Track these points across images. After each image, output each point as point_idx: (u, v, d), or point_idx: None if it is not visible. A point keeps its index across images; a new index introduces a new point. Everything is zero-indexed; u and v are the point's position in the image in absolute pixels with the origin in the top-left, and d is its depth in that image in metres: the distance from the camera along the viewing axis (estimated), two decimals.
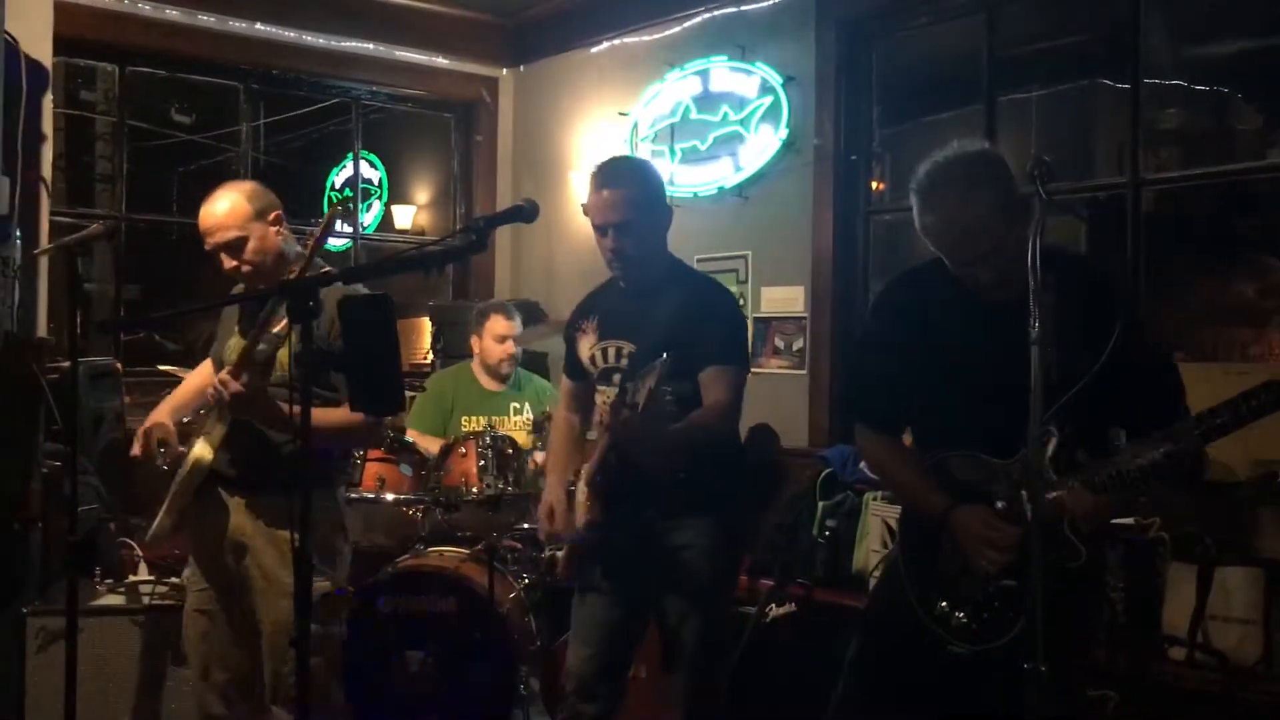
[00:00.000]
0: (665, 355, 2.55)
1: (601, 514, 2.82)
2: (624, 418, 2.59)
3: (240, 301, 2.90)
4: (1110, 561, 3.24)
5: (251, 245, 2.98)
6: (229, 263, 2.99)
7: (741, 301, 5.09)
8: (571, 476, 3.02)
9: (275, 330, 2.82)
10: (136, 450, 3.05)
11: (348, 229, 6.73)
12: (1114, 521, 3.13)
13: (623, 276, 2.98)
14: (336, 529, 3.09)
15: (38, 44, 3.88)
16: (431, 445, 4.20)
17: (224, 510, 3.06)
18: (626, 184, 2.91)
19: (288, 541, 3.00)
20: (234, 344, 3.06)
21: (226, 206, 2.98)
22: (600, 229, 2.91)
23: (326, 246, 7.99)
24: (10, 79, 3.10)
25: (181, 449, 3.03)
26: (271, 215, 3.03)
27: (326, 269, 2.94)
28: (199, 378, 3.31)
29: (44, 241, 3.93)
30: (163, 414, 3.14)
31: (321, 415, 2.82)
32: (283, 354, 2.92)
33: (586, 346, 3.06)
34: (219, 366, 3.18)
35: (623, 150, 5.59)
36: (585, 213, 2.98)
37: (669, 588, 2.89)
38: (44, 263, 4.02)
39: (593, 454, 2.88)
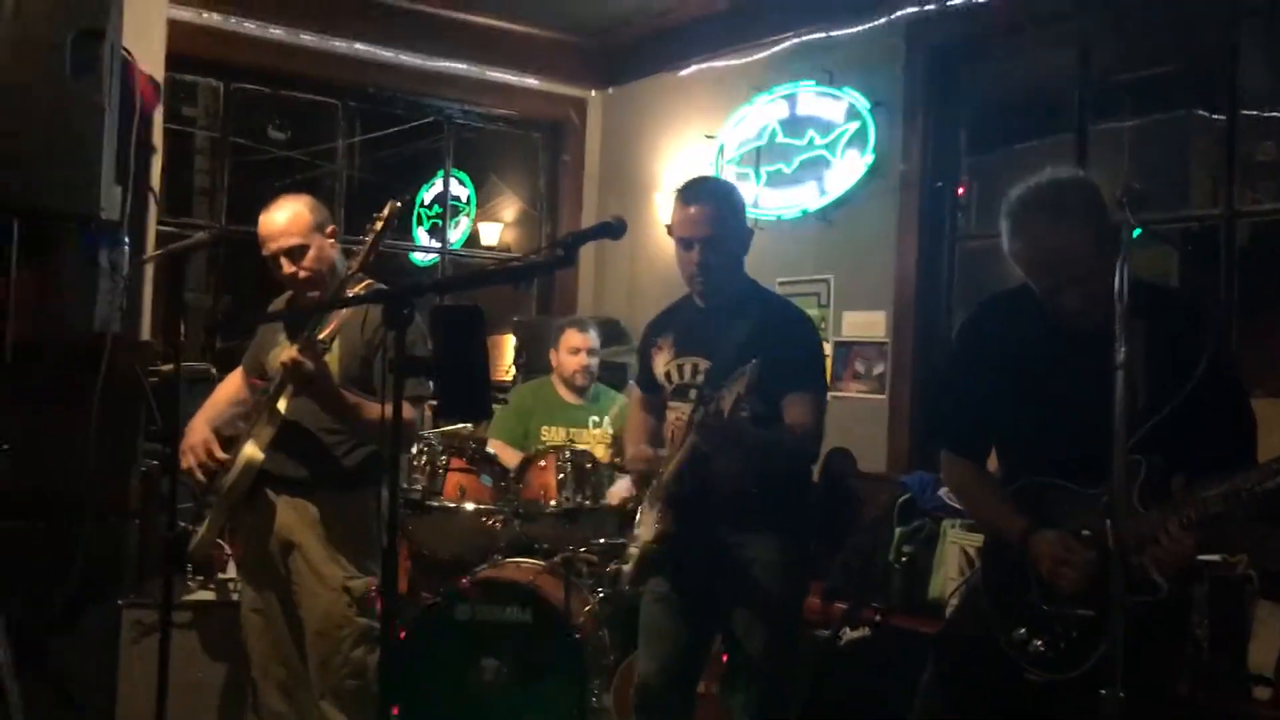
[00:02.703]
0: (754, 362, 2.56)
1: (673, 525, 2.85)
2: (709, 423, 2.61)
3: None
4: (1196, 597, 3.19)
5: (311, 254, 3.13)
6: (288, 268, 3.13)
7: (823, 325, 5.11)
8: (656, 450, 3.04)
9: (322, 337, 2.94)
10: (185, 464, 3.16)
11: (435, 244, 6.87)
12: (1201, 557, 3.08)
13: (703, 292, 3.01)
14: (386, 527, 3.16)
15: (151, 60, 4.04)
16: (510, 458, 4.27)
17: (271, 509, 3.17)
18: (714, 201, 2.97)
19: (333, 538, 3.11)
20: (278, 352, 3.16)
21: (289, 215, 3.14)
22: (685, 243, 2.95)
23: (414, 260, 8.24)
24: (126, 94, 3.24)
25: (223, 456, 3.14)
26: (328, 229, 3.20)
27: (369, 282, 3.04)
28: (229, 388, 3.43)
29: (150, 249, 4.08)
30: (200, 425, 3.25)
31: (377, 411, 2.92)
32: (329, 359, 3.03)
33: (662, 363, 3.09)
34: (255, 375, 3.30)
35: (709, 171, 5.64)
36: (669, 231, 3.03)
37: (736, 601, 2.90)
38: (149, 270, 4.18)
39: (667, 466, 2.90)
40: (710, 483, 2.81)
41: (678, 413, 2.99)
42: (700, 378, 2.95)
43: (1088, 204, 2.22)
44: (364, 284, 3.05)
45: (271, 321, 3.37)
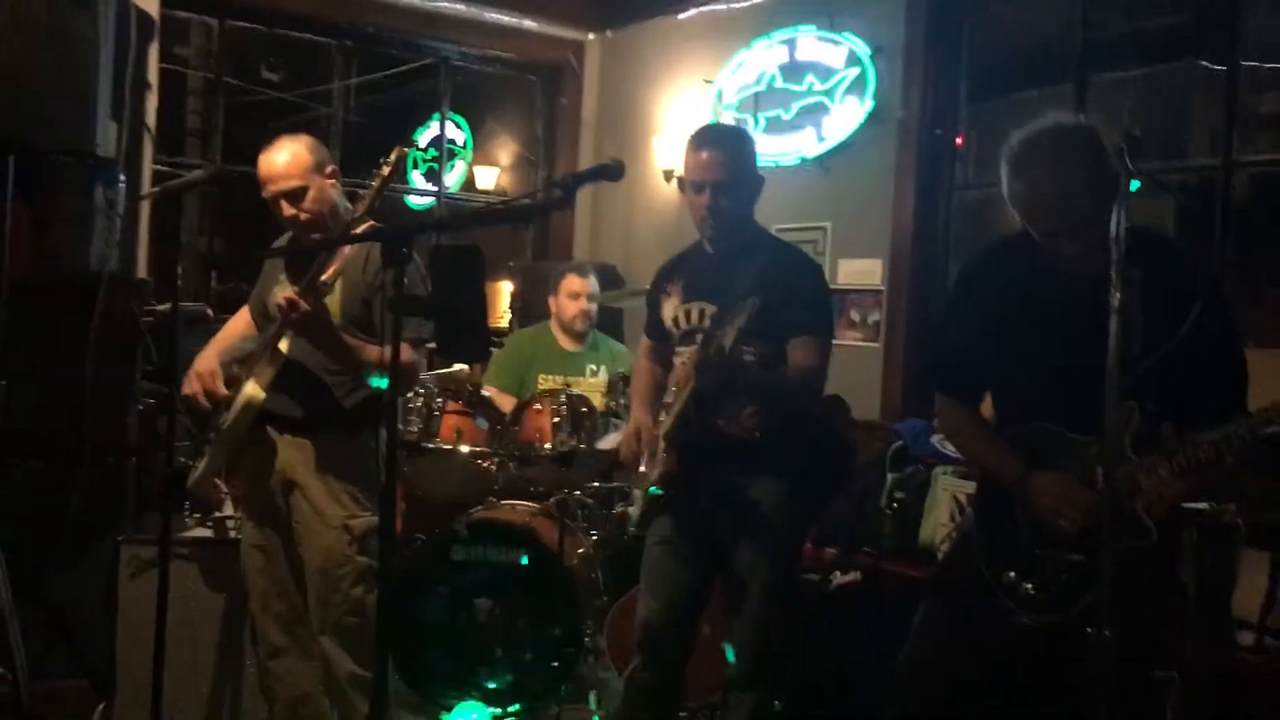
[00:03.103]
0: (754, 298, 2.57)
1: (677, 466, 2.88)
2: (713, 358, 2.62)
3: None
4: (1184, 545, 3.23)
5: (311, 195, 3.10)
6: (288, 210, 3.10)
7: None
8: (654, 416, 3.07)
9: (325, 278, 2.93)
10: (188, 391, 3.17)
11: (432, 188, 6.84)
12: (1188, 505, 3.12)
13: (713, 237, 3.02)
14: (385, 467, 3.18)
15: None
16: (506, 403, 4.29)
17: (272, 448, 3.18)
18: (727, 146, 2.98)
19: (333, 477, 3.14)
20: (279, 291, 3.16)
21: (288, 156, 3.09)
22: (696, 186, 2.95)
23: (409, 204, 8.20)
24: (121, 29, 3.21)
25: (225, 391, 3.15)
26: (328, 169, 3.15)
27: (371, 223, 3.03)
28: (241, 323, 3.43)
29: (146, 187, 4.07)
30: (210, 356, 3.26)
31: (376, 353, 2.92)
32: (330, 300, 3.03)
33: (670, 308, 3.10)
34: (259, 315, 3.29)
35: (706, 117, 5.61)
36: (680, 185, 3.02)
37: (739, 538, 2.93)
38: (145, 208, 4.17)
39: (671, 407, 2.93)
40: (713, 425, 2.83)
41: (683, 358, 3.00)
42: (707, 323, 2.96)
43: (1088, 150, 2.22)
44: (367, 225, 3.04)
45: (273, 258, 3.35)
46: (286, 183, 3.08)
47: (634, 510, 3.06)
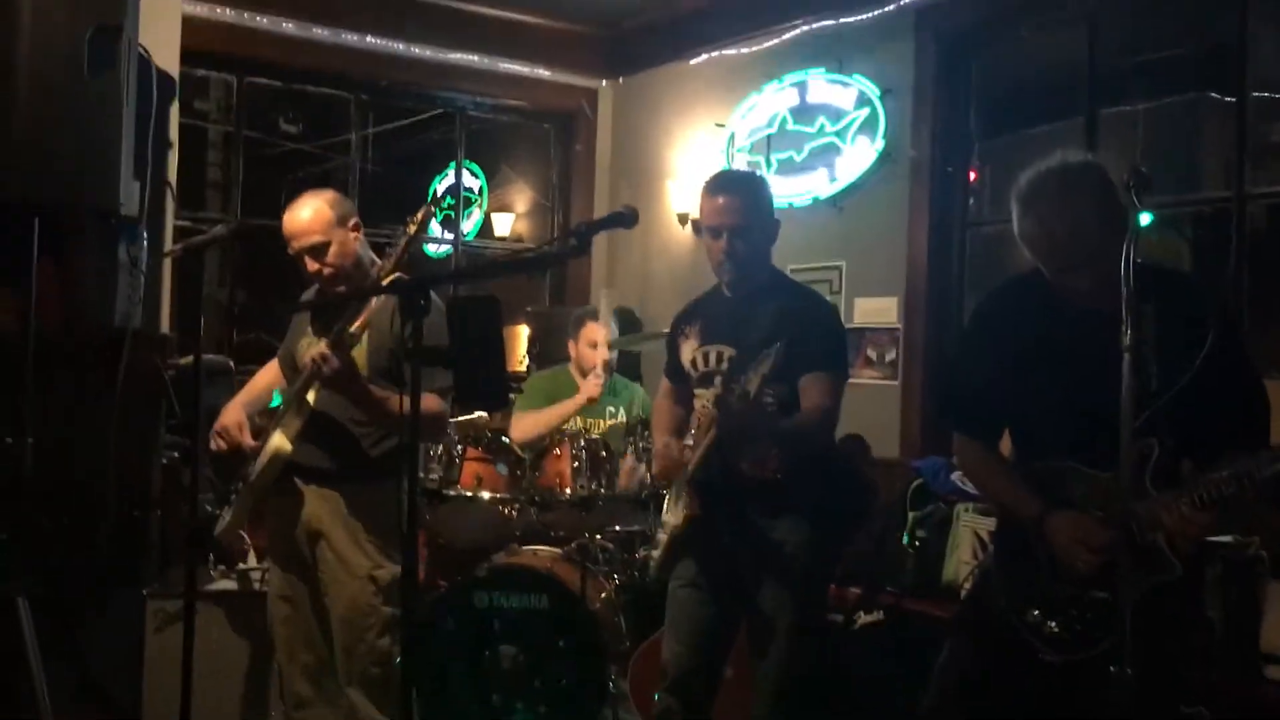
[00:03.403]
0: (779, 344, 2.60)
1: (700, 509, 2.89)
2: (736, 404, 2.64)
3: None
4: (1208, 579, 3.21)
5: (334, 250, 3.15)
6: (312, 265, 3.16)
7: None
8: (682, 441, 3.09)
9: (352, 330, 2.97)
10: (215, 446, 3.21)
11: (449, 235, 6.91)
12: (1213, 539, 3.10)
13: (730, 281, 3.05)
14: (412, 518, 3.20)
15: (167, 56, 4.08)
16: (535, 422, 4.30)
17: (299, 499, 3.21)
18: (743, 191, 3.03)
19: (359, 527, 3.16)
20: (308, 343, 3.20)
21: (311, 213, 3.15)
22: (714, 231, 2.99)
23: (427, 252, 8.27)
24: (143, 90, 3.27)
25: (253, 443, 3.18)
26: (351, 222, 3.20)
27: (399, 274, 3.06)
28: (269, 374, 3.47)
29: (168, 244, 4.13)
30: (236, 408, 3.30)
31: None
32: (357, 352, 3.06)
33: (689, 351, 3.13)
34: (287, 366, 3.33)
35: (719, 160, 5.66)
36: (695, 228, 3.06)
37: (763, 580, 2.93)
38: (167, 263, 4.23)
39: (694, 452, 2.94)
40: (737, 469, 2.85)
41: (704, 399, 3.03)
42: (725, 365, 2.99)
43: (1096, 186, 2.24)
44: (393, 278, 3.07)
45: (301, 311, 3.40)
46: (309, 239, 3.13)
47: (656, 554, 3.07)
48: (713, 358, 3.05)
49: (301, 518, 3.21)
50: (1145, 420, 2.03)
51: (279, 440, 3.08)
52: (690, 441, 3.05)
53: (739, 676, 3.19)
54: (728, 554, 2.97)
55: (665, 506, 3.09)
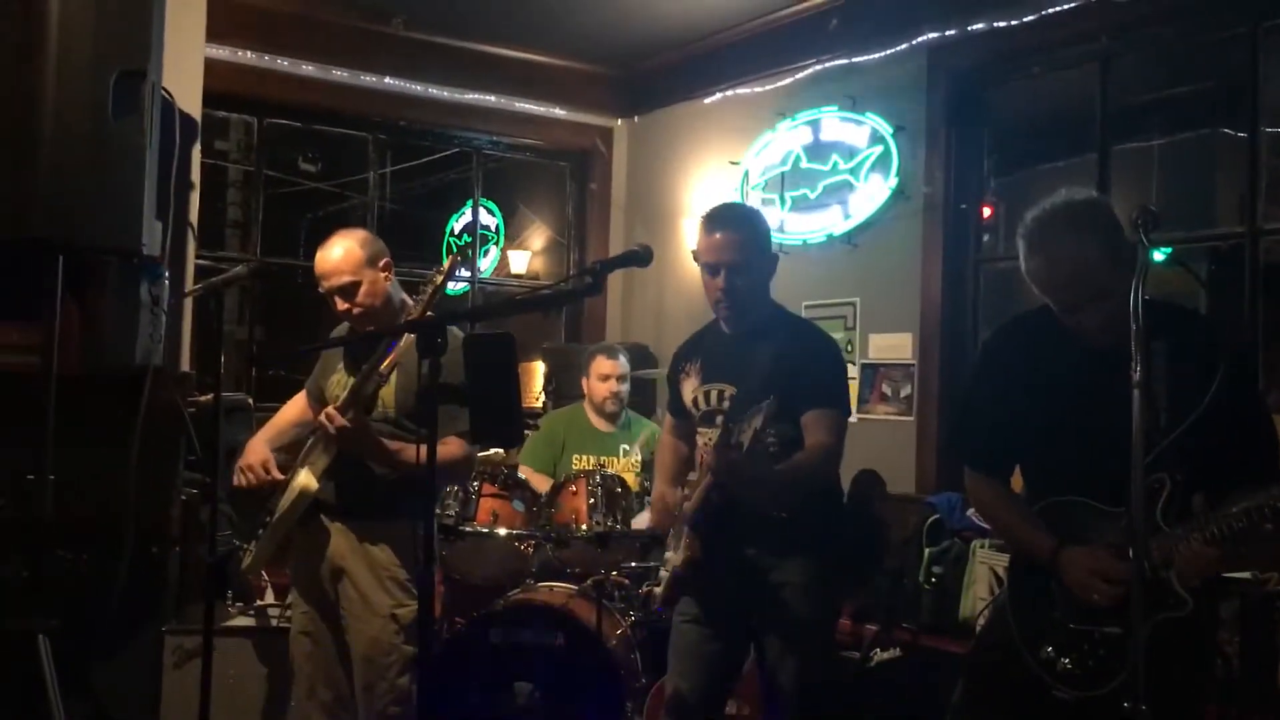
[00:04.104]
0: (772, 397, 2.61)
1: (701, 552, 2.87)
2: (729, 457, 2.64)
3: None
4: (1226, 615, 3.19)
5: (364, 289, 3.18)
6: (342, 305, 3.20)
7: (849, 348, 5.14)
8: (680, 490, 3.09)
9: (381, 370, 3.00)
10: (239, 482, 3.24)
11: (466, 273, 6.97)
12: (1231, 575, 3.09)
13: (729, 318, 3.05)
14: (430, 557, 3.21)
15: (189, 98, 4.14)
16: (541, 484, 4.32)
17: (324, 535, 3.23)
18: (739, 227, 3.01)
19: (383, 566, 3.17)
20: (338, 379, 3.23)
21: (341, 253, 3.19)
22: (712, 268, 2.99)
23: (445, 290, 8.32)
24: (165, 132, 3.33)
25: (280, 477, 3.20)
26: (382, 262, 3.24)
27: (430, 314, 3.09)
28: (293, 410, 3.50)
29: (189, 283, 4.18)
30: (260, 444, 3.32)
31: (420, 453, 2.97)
32: (385, 392, 3.09)
33: (690, 389, 3.13)
34: (315, 400, 3.36)
35: (734, 198, 5.70)
36: (695, 257, 3.08)
37: (767, 626, 2.93)
38: (188, 301, 4.27)
39: (694, 492, 2.94)
40: (738, 507, 2.84)
41: (706, 438, 3.02)
42: (727, 404, 2.99)
43: (1101, 222, 2.27)
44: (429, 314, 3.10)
45: (327, 349, 3.44)
46: (339, 278, 3.17)
47: (658, 590, 3.07)
48: (714, 396, 3.05)
49: (326, 554, 3.22)
50: (1155, 456, 2.03)
51: (305, 478, 3.11)
52: (693, 477, 3.05)
53: (749, 714, 3.18)
54: (730, 593, 2.96)
55: (668, 543, 3.09)
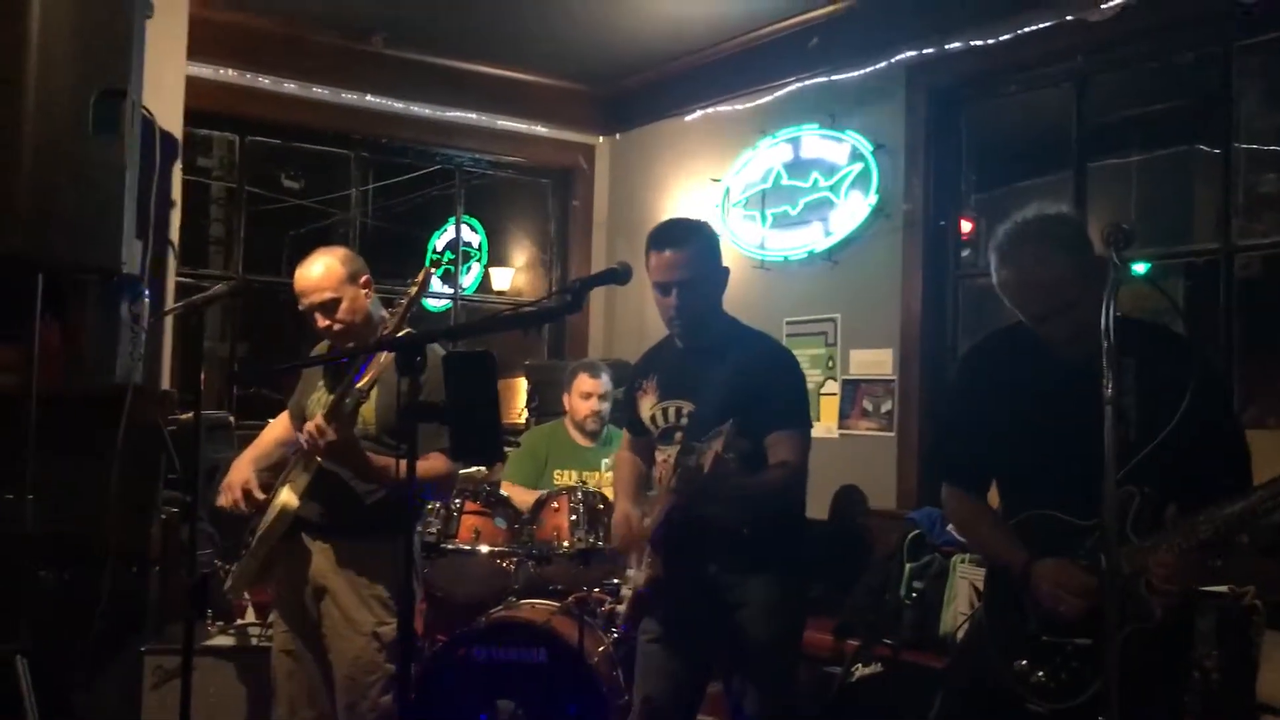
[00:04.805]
0: (731, 421, 2.59)
1: (663, 570, 2.85)
2: (689, 480, 2.63)
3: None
4: (1204, 629, 3.21)
5: (344, 306, 3.19)
6: (323, 321, 3.20)
7: (830, 364, 5.17)
8: (641, 507, 3.06)
9: (360, 386, 3.00)
10: (223, 502, 3.23)
11: (448, 290, 6.97)
12: (1208, 589, 3.11)
13: (682, 335, 3.02)
14: (411, 575, 3.22)
15: (170, 117, 4.15)
16: (526, 498, 4.32)
17: (306, 554, 3.22)
18: (687, 244, 2.96)
19: (365, 584, 3.17)
20: (318, 398, 3.23)
21: (322, 270, 3.20)
22: (663, 288, 2.95)
23: (427, 306, 8.31)
24: (146, 151, 3.33)
25: (263, 497, 3.20)
26: (362, 279, 3.25)
27: (409, 330, 3.10)
28: (278, 429, 3.50)
29: (170, 301, 4.18)
30: (244, 464, 3.32)
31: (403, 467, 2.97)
32: (365, 409, 3.10)
33: (647, 406, 3.10)
34: (297, 419, 3.36)
35: (715, 215, 5.73)
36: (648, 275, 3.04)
37: (732, 647, 2.92)
38: (169, 319, 4.27)
39: (654, 511, 2.91)
40: (699, 526, 2.83)
41: (665, 455, 3.00)
42: (685, 421, 2.96)
43: (1069, 236, 2.31)
44: (407, 331, 3.10)
45: (306, 367, 3.43)
46: (320, 295, 3.18)
47: (621, 608, 3.06)
48: (672, 413, 3.02)
49: (308, 573, 3.22)
50: (1127, 471, 2.05)
51: (286, 496, 3.11)
52: (654, 494, 3.04)
53: None
54: (693, 612, 2.93)
55: (630, 561, 3.06)
